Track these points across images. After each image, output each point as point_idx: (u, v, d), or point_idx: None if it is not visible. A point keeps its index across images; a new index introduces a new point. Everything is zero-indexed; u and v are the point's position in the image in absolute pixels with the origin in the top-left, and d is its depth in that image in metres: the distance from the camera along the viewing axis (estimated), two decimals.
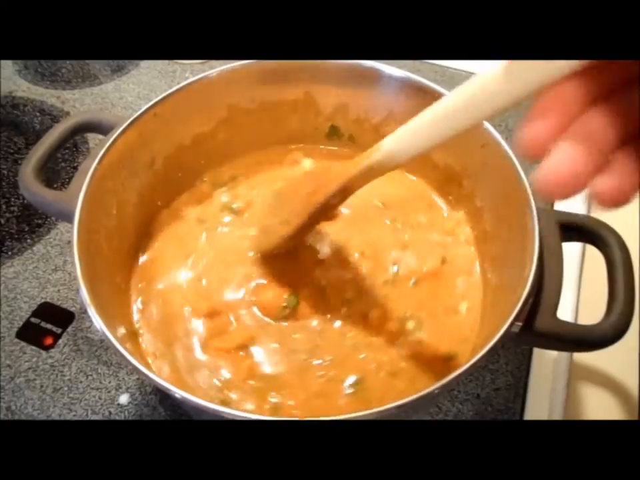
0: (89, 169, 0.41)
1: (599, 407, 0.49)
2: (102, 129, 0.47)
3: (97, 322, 0.34)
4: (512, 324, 0.34)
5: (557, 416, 0.46)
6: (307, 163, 0.54)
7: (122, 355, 0.33)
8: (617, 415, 0.49)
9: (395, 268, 0.46)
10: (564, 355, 0.51)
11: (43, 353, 0.51)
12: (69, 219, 0.40)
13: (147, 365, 0.40)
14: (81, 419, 0.47)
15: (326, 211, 0.40)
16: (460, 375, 0.31)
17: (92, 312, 0.35)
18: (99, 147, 0.43)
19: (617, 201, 0.22)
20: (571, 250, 0.56)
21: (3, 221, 0.61)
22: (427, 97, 0.47)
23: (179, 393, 0.31)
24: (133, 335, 0.43)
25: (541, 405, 0.48)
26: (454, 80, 0.74)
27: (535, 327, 0.36)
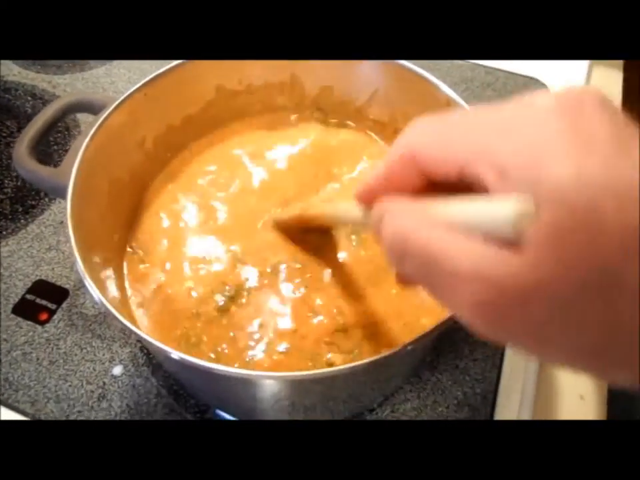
0: (81, 146, 0.43)
1: (571, 378, 0.52)
2: (93, 109, 0.48)
3: (94, 291, 0.35)
4: None
5: (531, 383, 0.49)
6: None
7: (119, 321, 0.34)
8: (591, 389, 0.51)
9: None
10: None
11: (39, 327, 0.52)
12: (62, 194, 0.41)
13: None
14: (76, 389, 0.48)
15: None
16: (434, 329, 0.32)
17: (88, 282, 0.36)
18: (90, 126, 0.44)
19: None
20: None
21: None
22: (408, 78, 0.49)
23: (175, 353, 0.32)
24: (128, 310, 0.45)
25: (516, 375, 0.50)
26: (436, 62, 0.75)
27: None
